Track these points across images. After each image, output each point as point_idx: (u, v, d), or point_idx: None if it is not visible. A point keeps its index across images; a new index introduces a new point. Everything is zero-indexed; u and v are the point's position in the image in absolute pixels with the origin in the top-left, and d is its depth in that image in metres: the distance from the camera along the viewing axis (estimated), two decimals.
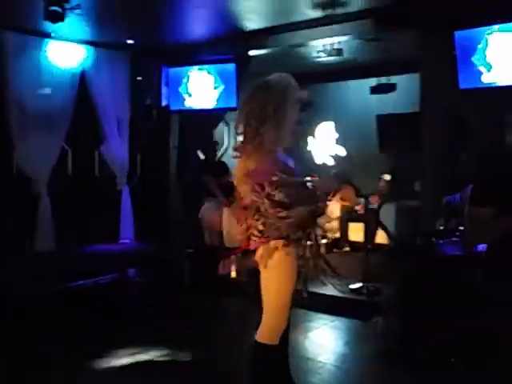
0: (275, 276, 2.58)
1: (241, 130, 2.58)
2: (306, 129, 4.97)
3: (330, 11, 4.93)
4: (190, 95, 6.37)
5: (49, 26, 5.16)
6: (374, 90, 6.77)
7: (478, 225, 2.41)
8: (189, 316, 5.17)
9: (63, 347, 4.17)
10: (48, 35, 5.71)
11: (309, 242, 2.60)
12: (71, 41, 5.91)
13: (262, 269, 2.61)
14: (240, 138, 2.62)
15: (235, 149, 2.65)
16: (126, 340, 4.43)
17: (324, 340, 4.47)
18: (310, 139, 5.28)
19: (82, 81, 6.12)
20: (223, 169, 7.39)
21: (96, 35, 5.86)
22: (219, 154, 7.87)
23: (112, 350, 4.14)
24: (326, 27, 5.18)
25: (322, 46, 5.39)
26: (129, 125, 6.44)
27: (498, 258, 2.45)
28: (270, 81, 2.57)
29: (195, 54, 6.27)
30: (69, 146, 6.35)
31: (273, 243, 2.53)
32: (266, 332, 2.62)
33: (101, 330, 4.58)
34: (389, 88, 6.65)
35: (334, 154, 5.15)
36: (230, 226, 7.22)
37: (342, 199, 7.27)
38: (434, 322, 3.80)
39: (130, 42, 6.08)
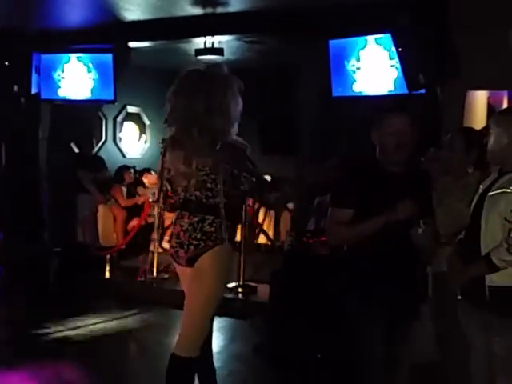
0: (204, 284, 2.42)
1: (180, 123, 2.43)
2: None
3: (210, 9, 4.92)
4: (63, 84, 6.01)
5: None
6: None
7: (335, 225, 2.48)
8: (54, 318, 4.88)
9: None
10: None
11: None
12: None
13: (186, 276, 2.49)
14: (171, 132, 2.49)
15: (163, 140, 2.51)
16: None
17: None
18: None
19: None
20: (100, 164, 7.10)
21: None
22: (96, 148, 7.54)
23: None
24: (206, 25, 5.15)
25: (203, 44, 5.36)
26: None
27: (353, 258, 2.53)
28: (210, 70, 2.47)
29: (71, 42, 5.93)
30: None
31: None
32: (186, 344, 2.44)
33: None
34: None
35: None
36: (106, 224, 6.96)
37: None
38: (303, 320, 3.93)
39: None
